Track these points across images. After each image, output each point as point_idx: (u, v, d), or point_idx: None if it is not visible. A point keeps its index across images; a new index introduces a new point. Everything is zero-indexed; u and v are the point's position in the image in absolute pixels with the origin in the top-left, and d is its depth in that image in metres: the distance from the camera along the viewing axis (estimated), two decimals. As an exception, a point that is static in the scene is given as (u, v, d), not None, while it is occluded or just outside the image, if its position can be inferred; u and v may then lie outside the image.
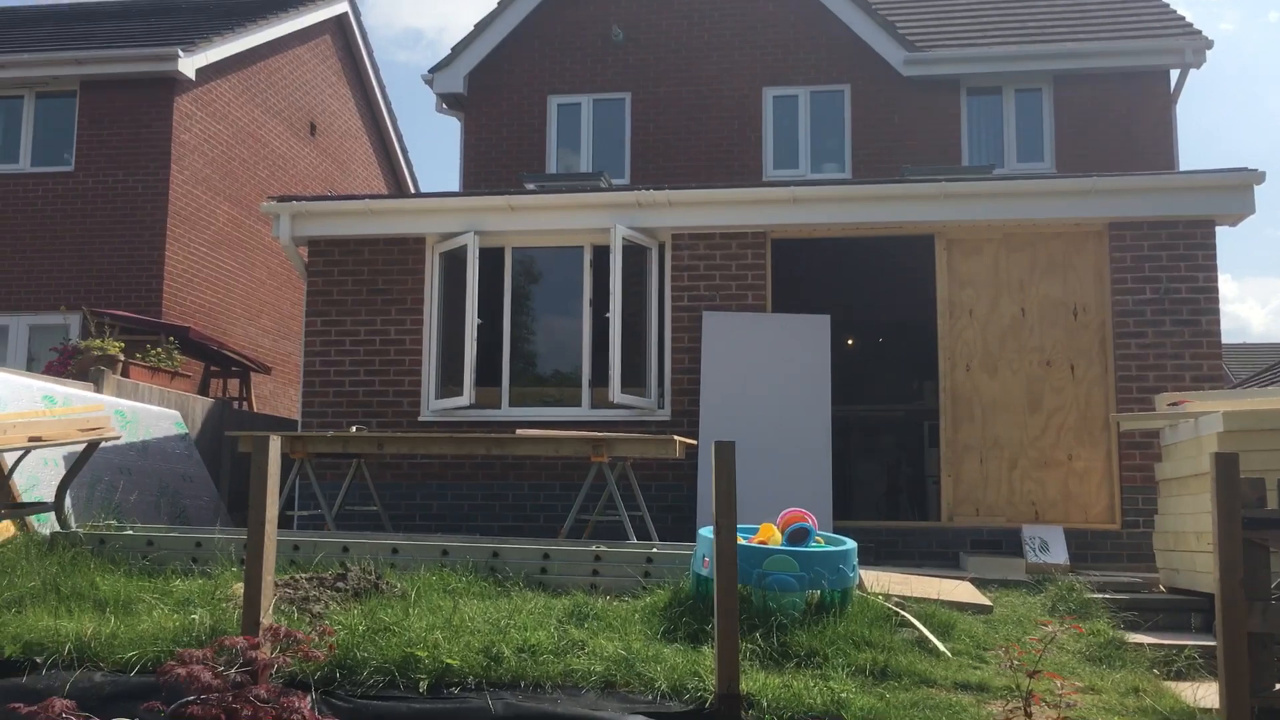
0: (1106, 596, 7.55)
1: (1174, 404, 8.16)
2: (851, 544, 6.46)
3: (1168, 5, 15.90)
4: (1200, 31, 14.59)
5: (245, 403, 14.36)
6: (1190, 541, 7.42)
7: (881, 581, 7.12)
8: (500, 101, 15.95)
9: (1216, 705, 4.92)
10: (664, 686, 5.19)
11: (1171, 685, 5.94)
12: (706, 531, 6.20)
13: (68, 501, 7.88)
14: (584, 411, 10.48)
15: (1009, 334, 10.23)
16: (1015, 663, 5.03)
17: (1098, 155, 14.29)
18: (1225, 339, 10.52)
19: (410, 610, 5.95)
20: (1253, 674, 4.62)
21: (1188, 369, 9.80)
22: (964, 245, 10.38)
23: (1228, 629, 4.64)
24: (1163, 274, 9.93)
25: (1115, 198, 10.03)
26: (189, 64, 14.85)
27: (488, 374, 10.68)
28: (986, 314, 10.28)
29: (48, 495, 7.97)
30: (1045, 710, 4.85)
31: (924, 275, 10.61)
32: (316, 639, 4.91)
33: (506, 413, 10.57)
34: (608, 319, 10.38)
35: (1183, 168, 14.52)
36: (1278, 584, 4.81)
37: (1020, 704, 4.75)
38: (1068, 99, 14.81)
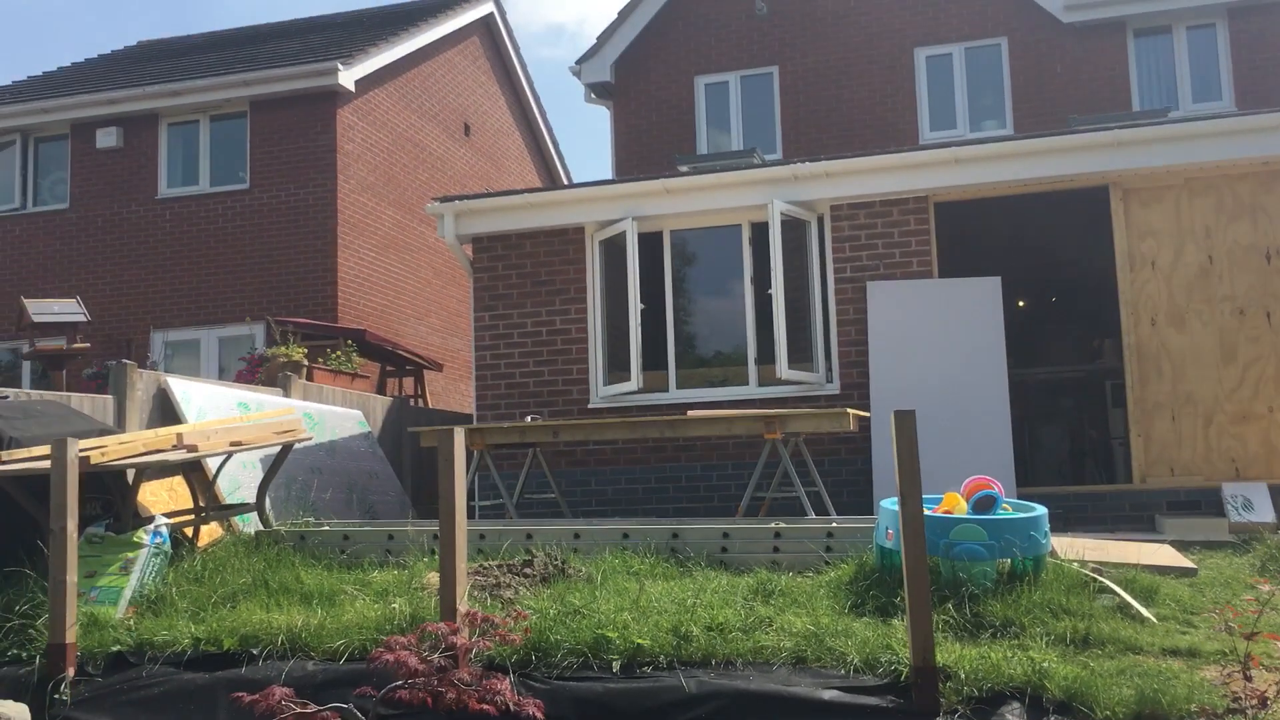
0: (1321, 554, 7.11)
1: (1387, 346, 7.63)
2: (1042, 510, 6.25)
3: (1352, -79, 14.81)
4: (1391, -55, 13.56)
5: (420, 400, 14.83)
6: None
7: (1075, 547, 6.88)
8: (648, 86, 16.00)
9: None
10: (856, 661, 5.13)
11: (1404, 646, 5.56)
12: (888, 503, 6.09)
13: (267, 501, 8.28)
14: (751, 390, 10.45)
15: (1196, 284, 9.71)
16: (1230, 625, 4.78)
17: (1281, 88, 13.44)
18: None
19: (597, 593, 6.04)
20: None
21: (1399, 309, 9.13)
22: (1142, 194, 9.90)
23: None
24: (1365, 208, 9.27)
25: (1304, 131, 9.40)
26: (348, 76, 15.40)
27: (653, 358, 10.74)
28: (1170, 264, 9.78)
29: (249, 496, 8.39)
30: (1265, 674, 4.61)
31: (1098, 229, 10.17)
32: (512, 623, 5.03)
33: (674, 395, 10.61)
34: (770, 295, 10.30)
35: (1379, 94, 13.52)
36: None
37: (1237, 668, 4.52)
38: (1244, 32, 13.97)
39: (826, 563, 6.77)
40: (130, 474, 6.90)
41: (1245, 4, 13.88)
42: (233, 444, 7.38)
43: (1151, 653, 5.30)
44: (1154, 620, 5.75)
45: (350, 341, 13.26)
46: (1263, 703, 4.32)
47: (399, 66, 16.97)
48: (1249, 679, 4.42)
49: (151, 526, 6.78)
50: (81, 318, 12.19)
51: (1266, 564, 7.00)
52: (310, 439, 8.80)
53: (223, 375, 14.57)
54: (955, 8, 14.91)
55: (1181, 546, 7.61)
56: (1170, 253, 9.79)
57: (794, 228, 10.49)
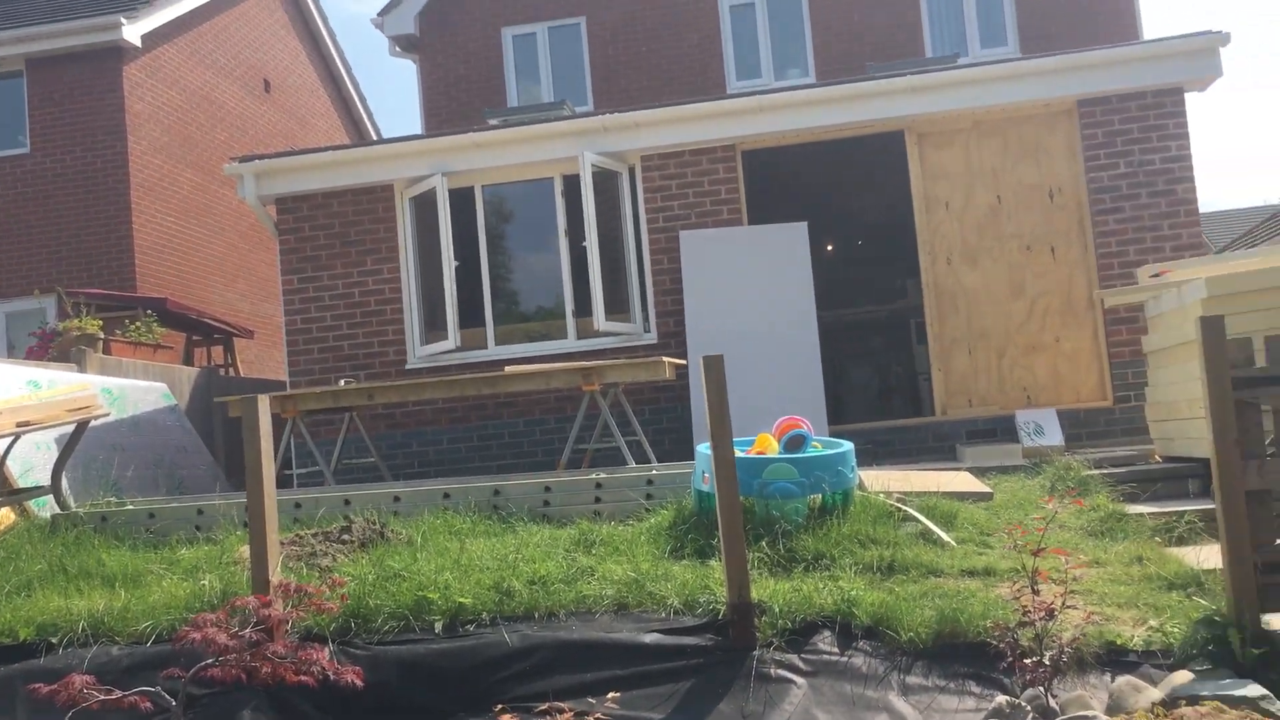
0: (1104, 472, 7.61)
1: (1156, 275, 8.17)
2: (848, 445, 6.49)
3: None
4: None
5: (231, 369, 14.30)
6: (1182, 409, 7.48)
7: (881, 480, 7.17)
8: (454, 38, 15.68)
9: (1219, 565, 4.99)
10: (676, 603, 5.24)
11: (1174, 551, 6.02)
12: (704, 448, 6.21)
13: (64, 483, 7.86)
14: (570, 343, 10.47)
15: (987, 223, 10.20)
16: (1019, 544, 5.07)
17: (1062, 33, 14.14)
18: (1202, 208, 10.51)
19: (418, 555, 5.98)
20: (1253, 531, 4.67)
21: (1167, 240, 9.80)
22: (934, 138, 10.30)
23: (1225, 489, 4.68)
24: (1135, 147, 9.89)
25: (1082, 74, 9.94)
26: (133, 31, 14.56)
27: (471, 315, 10.63)
28: (962, 205, 10.23)
29: (43, 479, 7.94)
30: (1052, 586, 4.90)
31: (898, 172, 10.55)
32: (328, 591, 4.93)
33: (493, 352, 10.54)
34: (585, 248, 10.31)
35: (1147, 36, 14.37)
36: (1271, 440, 4.85)
37: (1026, 584, 4.80)
38: (1026, -20, 14.60)
39: (647, 510, 6.85)
40: (-95, 463, 6.43)
41: (1027, -47, 14.50)
42: (20, 424, 6.96)
43: (951, 574, 5.58)
44: (954, 544, 6.06)
45: (150, 312, 12.64)
46: (1050, 614, 4.60)
47: (189, 20, 16.13)
48: (1037, 593, 4.70)
49: (-67, 517, 6.35)
50: None
51: (1055, 484, 7.46)
52: (109, 415, 8.39)
53: (13, 353, 13.69)
54: (756, -43, 15.10)
55: (979, 473, 8.02)
56: (962, 194, 10.24)
57: (606, 179, 10.50)
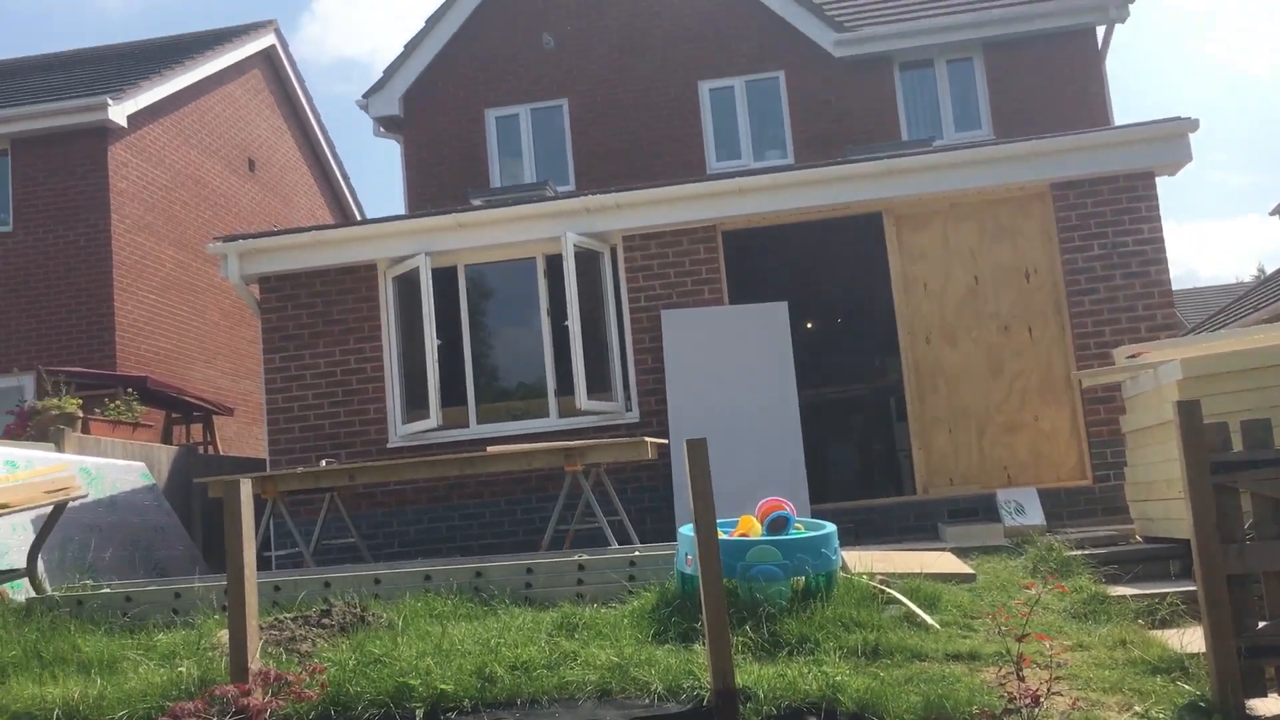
0: (1085, 552, 7.62)
1: (1132, 356, 8.26)
2: (831, 527, 6.49)
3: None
4: (1121, -13, 14.75)
5: (210, 447, 14.21)
6: (1162, 490, 7.52)
7: (864, 560, 7.15)
8: (438, 119, 15.89)
9: (1202, 649, 4.99)
10: (660, 689, 5.19)
11: (1157, 634, 6.02)
12: (687, 530, 6.20)
13: (40, 565, 7.76)
14: (552, 422, 10.47)
15: (965, 303, 10.32)
16: (1003, 628, 5.08)
17: (1034, 117, 14.44)
18: (1175, 285, 10.66)
19: (399, 639, 5.91)
20: (1235, 615, 4.69)
21: (1142, 320, 9.93)
22: (912, 220, 10.46)
23: (1206, 574, 4.71)
24: (1108, 229, 10.07)
25: (1055, 158, 10.14)
26: (119, 111, 14.70)
27: (453, 394, 10.64)
28: (941, 285, 10.36)
29: (19, 561, 7.84)
30: (1037, 671, 4.90)
31: (876, 252, 10.68)
32: (307, 679, 4.87)
33: (475, 431, 10.53)
34: (567, 327, 10.37)
35: (1118, 122, 14.69)
36: (1250, 524, 4.88)
37: (1012, 669, 4.79)
38: (999, 64, 14.95)
39: (630, 592, 6.81)
40: (-121, 547, 6.35)
41: (998, 38, 14.85)
42: (-2, 507, 6.89)
43: (936, 658, 5.56)
44: (938, 627, 6.04)
45: (131, 390, 12.58)
46: (1035, 701, 4.59)
47: (175, 100, 16.31)
48: (1022, 679, 4.70)
49: (-95, 602, 6.25)
50: None
51: (1038, 565, 7.46)
52: (86, 495, 8.32)
53: (-12, 431, 13.56)
54: (735, 42, 15.42)
55: (961, 553, 8.02)
56: (940, 274, 10.37)
57: (588, 259, 10.60)
